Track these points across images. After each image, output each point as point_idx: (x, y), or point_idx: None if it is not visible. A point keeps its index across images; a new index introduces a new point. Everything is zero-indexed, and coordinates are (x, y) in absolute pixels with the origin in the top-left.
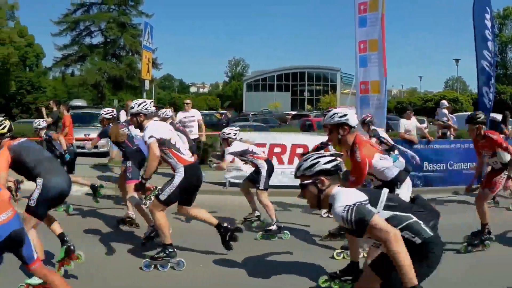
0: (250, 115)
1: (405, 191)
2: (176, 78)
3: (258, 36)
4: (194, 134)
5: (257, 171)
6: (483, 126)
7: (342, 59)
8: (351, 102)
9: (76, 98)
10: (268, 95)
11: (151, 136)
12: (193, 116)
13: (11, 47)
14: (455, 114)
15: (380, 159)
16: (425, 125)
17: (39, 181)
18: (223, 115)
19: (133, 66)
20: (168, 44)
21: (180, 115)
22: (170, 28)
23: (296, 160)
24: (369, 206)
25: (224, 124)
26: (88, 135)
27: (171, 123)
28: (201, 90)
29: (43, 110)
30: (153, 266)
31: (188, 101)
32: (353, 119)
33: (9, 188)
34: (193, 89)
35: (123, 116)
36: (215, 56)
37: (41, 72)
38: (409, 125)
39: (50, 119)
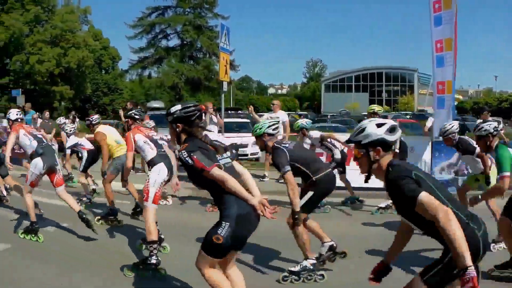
0: (329, 116)
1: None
2: (254, 80)
3: (335, 36)
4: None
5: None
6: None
7: (419, 59)
8: (429, 102)
9: (154, 99)
10: (346, 95)
11: None
12: (277, 117)
13: (86, 50)
14: None
15: None
16: (501, 126)
17: None
18: (302, 116)
19: (211, 68)
20: (245, 45)
21: (266, 115)
22: (247, 30)
23: None
24: None
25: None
26: (166, 136)
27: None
28: (279, 91)
29: (121, 111)
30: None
31: (275, 102)
32: (13, 115)
33: None
34: (271, 91)
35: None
36: (293, 57)
37: (117, 74)
38: None
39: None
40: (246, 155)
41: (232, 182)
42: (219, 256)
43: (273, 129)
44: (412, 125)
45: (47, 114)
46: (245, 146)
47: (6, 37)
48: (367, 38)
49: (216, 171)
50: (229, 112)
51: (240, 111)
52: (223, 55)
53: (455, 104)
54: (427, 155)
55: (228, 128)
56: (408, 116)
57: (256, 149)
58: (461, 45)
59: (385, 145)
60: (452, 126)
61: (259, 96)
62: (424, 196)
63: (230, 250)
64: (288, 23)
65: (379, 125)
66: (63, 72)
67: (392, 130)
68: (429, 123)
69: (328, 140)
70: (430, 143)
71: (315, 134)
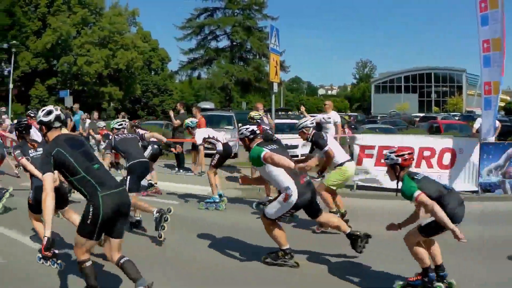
0: (379, 117)
1: None
2: (304, 81)
3: (385, 36)
4: (330, 136)
5: None
6: None
7: (467, 59)
8: (477, 103)
9: (204, 100)
10: (396, 96)
11: None
12: (329, 118)
13: (134, 52)
14: None
15: None
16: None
17: None
18: (352, 117)
19: (261, 69)
20: (295, 46)
21: (319, 116)
22: (297, 30)
23: (424, 164)
24: None
25: (352, 126)
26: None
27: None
28: (329, 92)
29: (171, 112)
30: None
31: (327, 102)
32: None
33: None
34: (321, 91)
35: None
36: (343, 57)
37: (167, 75)
38: None
39: (178, 121)
40: (297, 155)
41: (28, 166)
42: (35, 212)
43: (119, 125)
44: (461, 127)
45: (96, 114)
46: (295, 147)
47: (53, 39)
48: (416, 38)
49: (22, 161)
50: (280, 113)
51: (290, 112)
52: (273, 56)
53: (503, 105)
54: (475, 157)
55: (278, 129)
56: (457, 118)
57: (307, 150)
58: (509, 43)
59: (45, 124)
60: (306, 121)
61: (309, 97)
62: (46, 173)
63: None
64: (337, 23)
65: (42, 110)
66: (112, 73)
67: (47, 113)
68: (477, 124)
69: (211, 136)
70: (478, 145)
71: (198, 133)
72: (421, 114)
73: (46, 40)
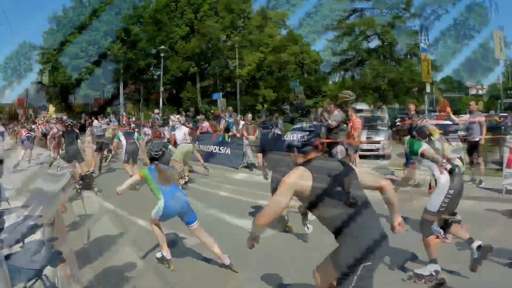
0: None
1: None
2: (455, 80)
3: None
4: (473, 138)
5: None
6: None
7: None
8: None
9: (357, 102)
10: None
11: None
12: (475, 117)
13: (286, 54)
14: None
15: None
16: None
17: None
18: (502, 118)
19: (413, 69)
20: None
21: (465, 116)
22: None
23: None
24: None
25: (503, 127)
26: (371, 137)
27: None
28: (479, 92)
29: (325, 114)
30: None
31: (471, 103)
32: None
33: None
34: (472, 91)
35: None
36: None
37: (320, 77)
38: None
39: (334, 123)
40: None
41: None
42: None
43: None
44: None
45: (249, 116)
46: None
47: (203, 43)
48: None
49: None
50: (432, 113)
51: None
52: (424, 56)
53: None
54: None
55: None
56: None
57: (457, 153)
58: None
59: None
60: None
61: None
62: None
63: None
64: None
65: None
66: (265, 75)
67: None
68: None
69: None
70: None
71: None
72: None
73: (195, 45)
